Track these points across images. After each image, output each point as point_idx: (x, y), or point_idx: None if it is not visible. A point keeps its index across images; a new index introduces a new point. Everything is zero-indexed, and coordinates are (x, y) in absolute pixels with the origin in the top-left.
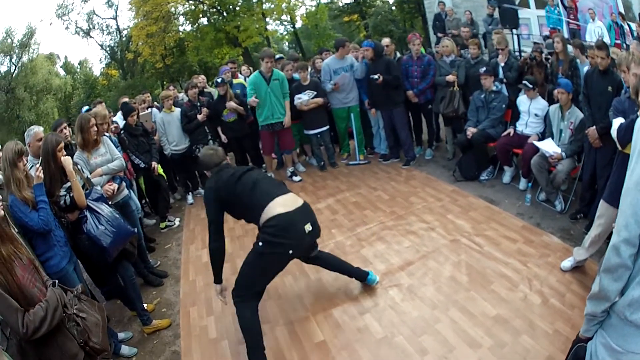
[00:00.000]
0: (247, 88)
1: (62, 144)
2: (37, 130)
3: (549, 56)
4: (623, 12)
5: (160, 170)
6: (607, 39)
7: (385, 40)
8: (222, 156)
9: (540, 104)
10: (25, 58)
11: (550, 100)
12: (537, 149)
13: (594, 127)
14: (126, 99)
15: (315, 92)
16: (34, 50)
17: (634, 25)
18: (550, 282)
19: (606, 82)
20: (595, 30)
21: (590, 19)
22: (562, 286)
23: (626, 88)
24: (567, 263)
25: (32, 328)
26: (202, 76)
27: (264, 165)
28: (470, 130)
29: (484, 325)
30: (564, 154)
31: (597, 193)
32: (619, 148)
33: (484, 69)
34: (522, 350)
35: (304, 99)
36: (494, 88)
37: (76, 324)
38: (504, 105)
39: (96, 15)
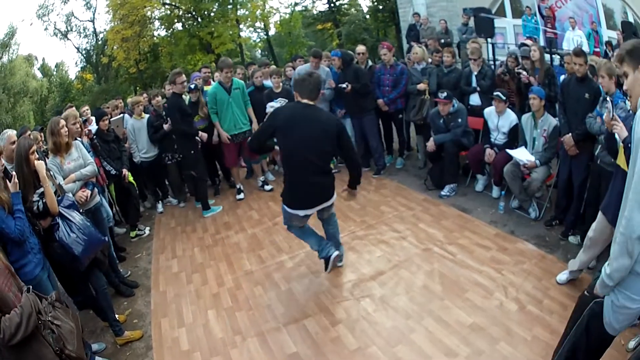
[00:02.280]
0: (207, 100)
1: (34, 147)
2: (11, 133)
3: (521, 70)
4: (604, 20)
5: (131, 178)
6: (586, 47)
7: (361, 48)
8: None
9: (508, 119)
10: (5, 58)
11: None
12: (508, 157)
13: (570, 134)
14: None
15: (287, 100)
16: (14, 50)
17: (615, 34)
18: (526, 289)
19: (583, 89)
20: (574, 39)
21: (570, 27)
22: (539, 292)
23: (604, 94)
24: (562, 276)
25: (8, 334)
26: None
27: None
28: (430, 146)
29: (459, 334)
30: (537, 161)
31: (573, 199)
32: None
33: (445, 94)
34: (500, 358)
35: (276, 107)
36: (451, 110)
37: (51, 331)
38: (460, 120)
39: (74, 17)
